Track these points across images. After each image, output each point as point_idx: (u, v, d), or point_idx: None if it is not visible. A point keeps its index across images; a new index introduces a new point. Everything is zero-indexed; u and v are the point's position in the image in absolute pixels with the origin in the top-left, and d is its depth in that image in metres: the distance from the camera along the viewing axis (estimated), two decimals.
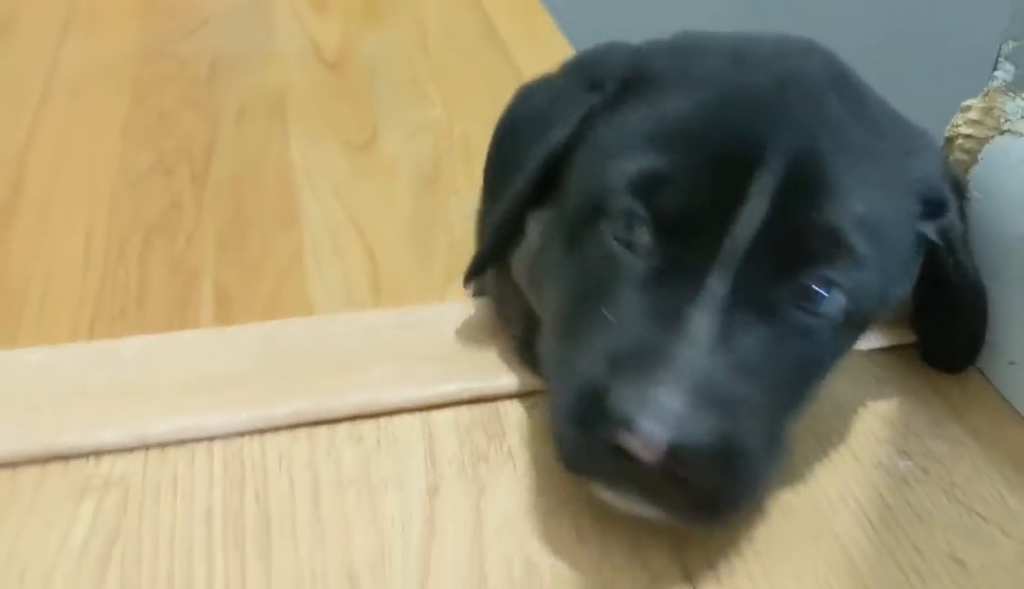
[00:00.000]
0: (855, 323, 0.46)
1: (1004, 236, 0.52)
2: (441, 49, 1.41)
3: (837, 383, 0.53)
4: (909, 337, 0.56)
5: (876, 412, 0.52)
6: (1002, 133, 0.53)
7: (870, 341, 0.55)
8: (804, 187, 0.43)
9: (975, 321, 0.53)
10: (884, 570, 0.44)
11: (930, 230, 0.49)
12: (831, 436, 0.51)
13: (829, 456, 0.50)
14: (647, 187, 0.44)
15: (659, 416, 0.39)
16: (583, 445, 0.42)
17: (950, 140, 0.55)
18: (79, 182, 1.15)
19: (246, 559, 0.43)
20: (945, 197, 0.49)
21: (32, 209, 1.11)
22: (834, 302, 0.44)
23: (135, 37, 1.43)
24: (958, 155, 0.55)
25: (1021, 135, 0.52)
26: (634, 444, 0.39)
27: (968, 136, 0.54)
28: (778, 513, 0.47)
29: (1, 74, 1.34)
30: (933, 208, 0.49)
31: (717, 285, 0.43)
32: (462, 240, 1.07)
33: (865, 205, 0.44)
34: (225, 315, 0.96)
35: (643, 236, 0.44)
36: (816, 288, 0.44)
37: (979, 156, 0.54)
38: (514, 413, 0.51)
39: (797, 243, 0.43)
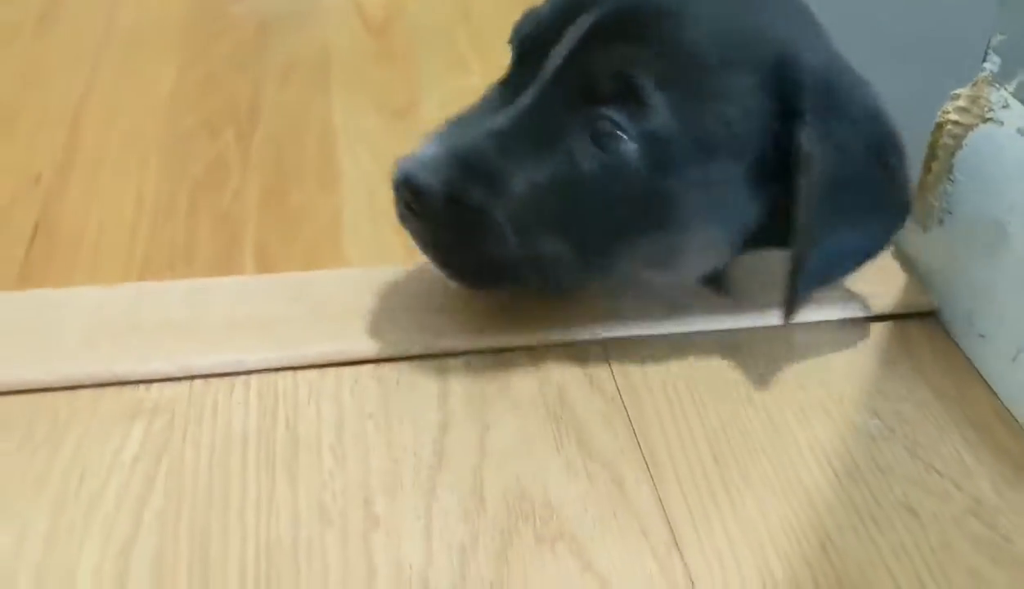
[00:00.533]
0: (675, 181, 0.52)
1: (982, 217, 0.58)
2: (483, 16, 1.47)
3: (819, 350, 0.60)
4: (890, 308, 0.62)
5: (853, 376, 0.59)
6: (985, 121, 0.59)
7: (854, 310, 0.62)
8: (610, 32, 0.52)
9: (793, 269, 0.54)
10: (844, 516, 0.51)
11: (786, 138, 0.52)
12: (810, 397, 0.57)
13: (806, 414, 0.56)
14: (523, 25, 0.56)
15: (414, 158, 0.53)
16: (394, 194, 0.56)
17: (940, 126, 0.61)
18: (130, 139, 1.24)
19: (275, 477, 0.51)
20: (801, 108, 0.52)
21: (85, 164, 1.19)
22: (625, 146, 0.52)
23: (184, 1, 1.52)
24: (946, 140, 0.61)
25: (1002, 124, 0.58)
26: (393, 174, 0.54)
27: (956, 123, 0.60)
28: (751, 459, 0.53)
29: (58, 32, 1.43)
30: (787, 111, 0.52)
31: (524, 99, 0.54)
32: None
33: (678, 67, 0.51)
34: (265, 269, 1.03)
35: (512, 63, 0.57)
36: (606, 127, 0.52)
37: (964, 142, 0.59)
38: (519, 362, 0.58)
39: (588, 79, 0.52)
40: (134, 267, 1.05)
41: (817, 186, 0.52)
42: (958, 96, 0.60)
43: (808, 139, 0.52)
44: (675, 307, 0.61)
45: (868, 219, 0.56)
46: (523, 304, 0.61)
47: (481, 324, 0.59)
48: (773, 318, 0.61)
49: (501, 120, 0.53)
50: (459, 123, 0.55)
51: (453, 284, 0.56)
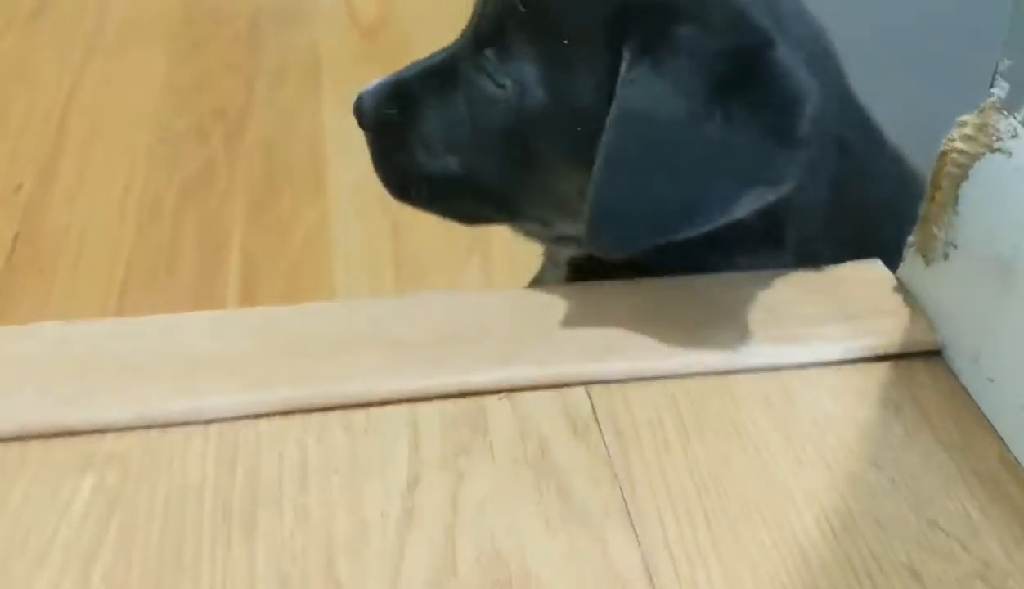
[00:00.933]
0: (538, 122, 0.57)
1: (989, 252, 0.53)
2: None
3: (816, 393, 0.55)
4: (893, 347, 0.57)
5: (854, 423, 0.54)
6: (993, 151, 0.53)
7: (853, 350, 0.57)
8: None
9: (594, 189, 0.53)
10: (840, 575, 0.46)
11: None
12: (805, 445, 0.52)
13: (801, 464, 0.51)
14: None
15: (369, 87, 0.64)
16: None
17: (945, 154, 0.56)
18: (118, 140, 1.19)
19: (232, 536, 0.46)
20: (625, 50, 0.53)
21: (69, 170, 1.15)
22: (497, 84, 0.58)
23: None
24: (951, 169, 0.55)
25: (1011, 155, 0.53)
26: None
27: (961, 151, 0.55)
28: (743, 514, 0.49)
29: (47, 28, 1.38)
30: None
31: (458, 41, 0.62)
32: None
33: (544, 21, 0.56)
34: (250, 283, 0.99)
35: None
36: (487, 67, 0.59)
37: (970, 172, 0.54)
38: (498, 408, 0.53)
39: (481, 25, 0.60)
40: (116, 278, 1.01)
41: (619, 124, 0.53)
42: (964, 123, 0.55)
43: (621, 78, 0.53)
44: (664, 344, 0.56)
45: (706, 175, 0.53)
46: (503, 341, 0.56)
47: (457, 363, 0.54)
48: (769, 357, 0.56)
49: (434, 59, 0.63)
50: (414, 63, 0.64)
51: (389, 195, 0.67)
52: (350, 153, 1.18)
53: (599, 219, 0.53)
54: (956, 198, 0.55)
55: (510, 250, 1.05)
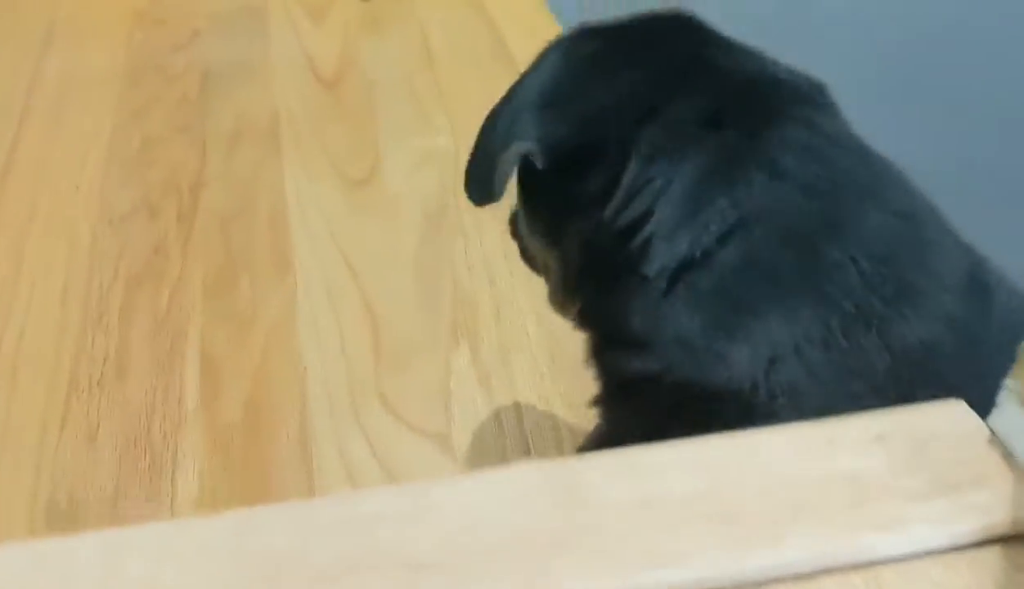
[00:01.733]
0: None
1: None
2: (446, 65, 1.28)
3: None
4: (1003, 526, 0.46)
5: None
6: None
7: (959, 535, 0.45)
8: None
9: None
10: None
11: None
12: None
13: None
14: None
15: None
16: None
17: None
18: (57, 222, 1.04)
19: None
20: None
21: (6, 255, 1.00)
22: None
23: (121, 50, 1.31)
24: None
25: None
26: None
27: None
28: None
29: None
30: None
31: None
32: (470, 290, 0.97)
33: None
34: (211, 387, 0.86)
35: None
36: None
37: None
38: None
39: None
40: (59, 388, 0.87)
41: None
42: None
43: None
44: (735, 537, 0.44)
45: (501, 130, 0.63)
46: (536, 548, 0.44)
47: (483, 585, 0.42)
48: (860, 550, 0.45)
49: None
50: None
51: None
52: (316, 222, 1.06)
53: (467, 170, 0.65)
54: None
55: (498, 334, 0.94)
